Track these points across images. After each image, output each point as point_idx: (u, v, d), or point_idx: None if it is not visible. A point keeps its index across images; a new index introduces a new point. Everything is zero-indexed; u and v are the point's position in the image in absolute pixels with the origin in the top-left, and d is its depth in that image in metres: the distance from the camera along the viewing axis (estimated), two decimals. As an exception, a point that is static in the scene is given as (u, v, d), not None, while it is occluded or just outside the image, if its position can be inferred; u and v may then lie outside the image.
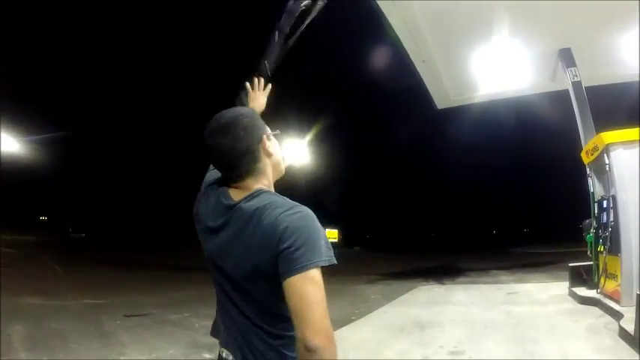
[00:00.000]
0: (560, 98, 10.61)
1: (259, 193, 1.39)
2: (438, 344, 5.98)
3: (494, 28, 8.74)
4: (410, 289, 12.18)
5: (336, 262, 1.28)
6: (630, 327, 5.17)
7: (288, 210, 1.29)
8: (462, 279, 14.77)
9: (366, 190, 72.41)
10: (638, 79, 9.57)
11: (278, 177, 1.60)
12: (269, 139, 1.51)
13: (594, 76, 9.99)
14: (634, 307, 5.16)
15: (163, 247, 38.31)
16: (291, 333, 1.26)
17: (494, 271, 16.22)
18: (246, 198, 1.38)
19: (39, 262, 20.63)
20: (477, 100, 11.92)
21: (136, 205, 64.44)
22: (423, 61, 9.71)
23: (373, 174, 74.80)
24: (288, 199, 1.37)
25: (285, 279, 1.21)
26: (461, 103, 12.13)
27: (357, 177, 69.33)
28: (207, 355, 5.80)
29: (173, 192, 61.72)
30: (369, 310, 8.94)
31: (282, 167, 1.62)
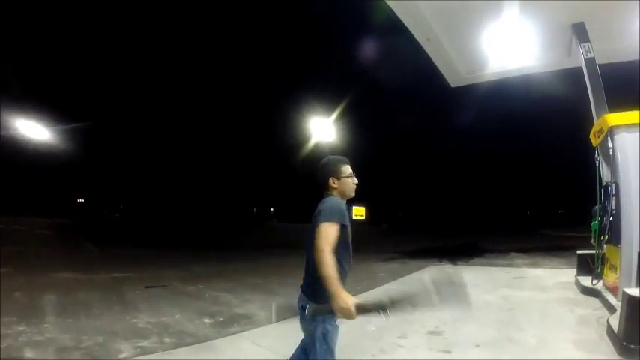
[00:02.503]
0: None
1: (326, 197, 2.81)
2: (421, 323, 5.99)
3: (503, 2, 8.40)
4: (421, 268, 12.15)
5: (343, 222, 2.63)
6: (615, 323, 4.97)
7: (323, 201, 2.74)
8: (476, 260, 14.60)
9: (395, 169, 71.55)
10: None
11: (347, 196, 2.88)
12: (337, 179, 2.81)
13: (610, 51, 9.52)
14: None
15: (193, 227, 39.06)
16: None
17: (513, 254, 15.92)
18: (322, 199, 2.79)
19: (74, 241, 21.97)
20: (491, 78, 11.54)
21: (168, 188, 65.66)
22: (428, 39, 9.43)
23: (402, 153, 73.81)
24: (335, 199, 2.77)
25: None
26: (474, 81, 11.75)
27: (386, 155, 68.60)
28: (206, 320, 6.59)
29: (204, 176, 62.85)
30: (371, 287, 8.98)
31: (348, 194, 2.88)
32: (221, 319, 6.74)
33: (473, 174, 76.31)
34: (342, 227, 2.62)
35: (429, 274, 11.09)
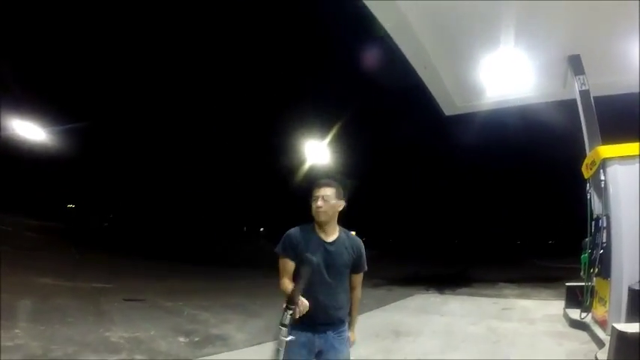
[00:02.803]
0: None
1: None
2: (404, 353, 5.88)
3: (500, 34, 8.36)
4: (408, 296, 11.99)
5: (281, 253, 2.70)
6: (604, 358, 4.84)
7: None
8: (464, 289, 14.39)
9: (386, 195, 71.63)
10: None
11: (316, 220, 2.74)
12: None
13: (605, 84, 9.50)
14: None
15: (181, 240, 38.78)
16: None
17: (502, 284, 15.78)
18: None
19: (60, 246, 21.63)
20: (485, 108, 11.52)
21: (160, 201, 65.37)
22: (425, 67, 9.40)
23: (393, 179, 73.91)
24: (302, 225, 2.79)
25: None
26: (468, 110, 11.71)
27: (377, 181, 68.64)
28: (181, 339, 6.49)
29: (196, 191, 62.59)
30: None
31: (314, 218, 2.74)
32: (197, 338, 6.65)
33: (464, 202, 76.59)
34: (287, 258, 2.70)
35: (416, 302, 10.91)
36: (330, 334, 2.65)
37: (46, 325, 6.39)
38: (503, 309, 9.82)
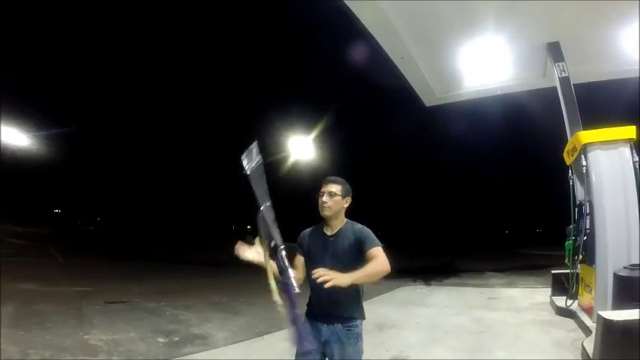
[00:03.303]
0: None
1: None
2: (386, 347, 5.75)
3: (477, 21, 8.26)
4: (394, 288, 11.90)
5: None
6: (590, 347, 4.76)
7: None
8: (451, 280, 14.36)
9: (374, 188, 71.60)
10: (634, 75, 9.11)
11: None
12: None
13: (586, 72, 9.49)
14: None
15: (168, 241, 38.54)
16: None
17: (489, 273, 15.83)
18: None
19: (44, 252, 21.45)
20: (466, 98, 11.44)
21: (147, 202, 64.99)
22: (402, 57, 9.27)
23: (381, 172, 73.95)
24: None
25: None
26: (448, 101, 11.59)
27: (364, 174, 68.64)
28: (161, 340, 6.36)
29: (183, 186, 62.31)
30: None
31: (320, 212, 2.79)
32: (176, 338, 6.49)
33: (452, 193, 76.88)
34: (298, 254, 2.89)
35: (403, 294, 10.84)
36: (338, 326, 2.71)
37: (24, 330, 6.33)
38: (489, 298, 9.80)
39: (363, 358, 2.76)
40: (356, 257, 2.70)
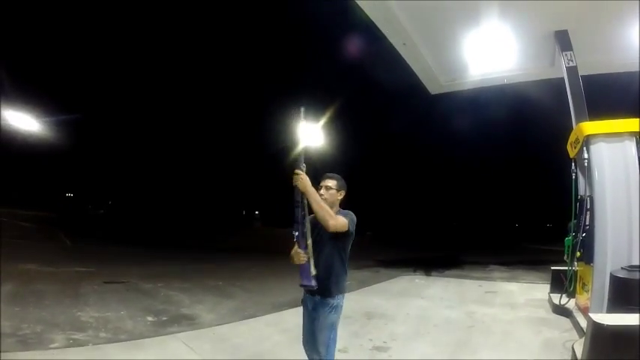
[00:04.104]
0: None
1: None
2: (369, 337, 5.64)
3: (482, 8, 7.93)
4: (392, 277, 11.76)
5: None
6: (580, 350, 4.54)
7: None
8: (452, 272, 14.13)
9: (380, 178, 71.03)
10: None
11: None
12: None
13: (595, 62, 9.14)
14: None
15: (177, 226, 38.70)
16: None
17: (492, 266, 15.62)
18: None
19: (51, 235, 21.71)
20: (471, 86, 11.07)
21: (158, 187, 65.32)
22: (404, 44, 8.95)
23: (387, 161, 73.34)
24: None
25: None
26: (454, 89, 11.25)
27: (372, 162, 68.19)
28: (149, 318, 6.56)
29: (195, 176, 62.59)
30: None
31: None
32: (165, 318, 6.65)
33: (462, 184, 76.08)
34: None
35: (400, 285, 10.65)
36: (317, 297, 3.26)
37: (21, 306, 6.51)
38: (487, 292, 9.59)
39: (344, 344, 2.83)
40: (337, 238, 3.23)
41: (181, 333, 5.78)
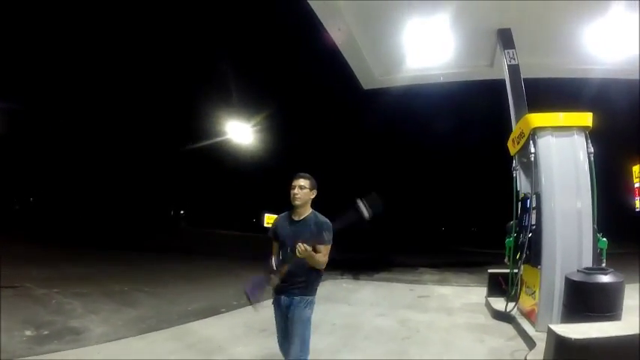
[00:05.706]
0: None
1: None
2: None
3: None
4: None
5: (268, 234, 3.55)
6: (537, 362, 3.96)
7: None
8: (382, 275, 13.57)
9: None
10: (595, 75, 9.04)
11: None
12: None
13: (537, 65, 9.01)
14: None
15: (100, 225, 36.34)
16: None
17: (422, 269, 15.29)
18: None
19: None
20: (407, 83, 10.70)
21: (85, 184, 62.02)
22: (339, 29, 8.34)
23: (318, 158, 73.21)
24: None
25: None
26: (389, 85, 10.83)
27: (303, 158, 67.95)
28: (28, 333, 5.56)
29: (124, 175, 60.01)
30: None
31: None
32: (46, 332, 5.61)
33: (392, 186, 77.00)
34: (272, 238, 3.54)
35: (326, 290, 9.84)
36: (294, 298, 3.28)
37: None
38: (419, 297, 9.05)
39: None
40: (313, 244, 3.16)
41: (59, 352, 4.78)
